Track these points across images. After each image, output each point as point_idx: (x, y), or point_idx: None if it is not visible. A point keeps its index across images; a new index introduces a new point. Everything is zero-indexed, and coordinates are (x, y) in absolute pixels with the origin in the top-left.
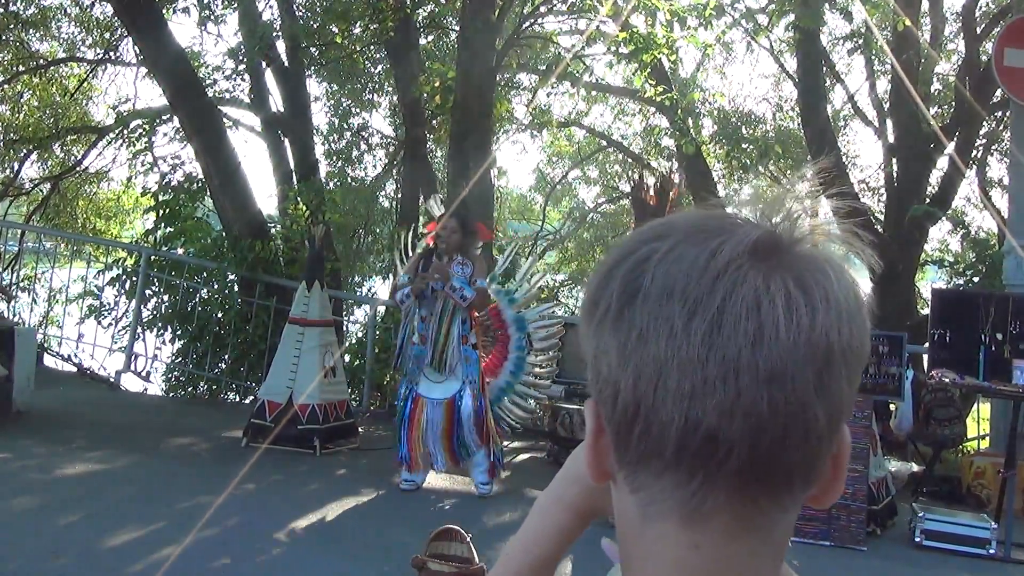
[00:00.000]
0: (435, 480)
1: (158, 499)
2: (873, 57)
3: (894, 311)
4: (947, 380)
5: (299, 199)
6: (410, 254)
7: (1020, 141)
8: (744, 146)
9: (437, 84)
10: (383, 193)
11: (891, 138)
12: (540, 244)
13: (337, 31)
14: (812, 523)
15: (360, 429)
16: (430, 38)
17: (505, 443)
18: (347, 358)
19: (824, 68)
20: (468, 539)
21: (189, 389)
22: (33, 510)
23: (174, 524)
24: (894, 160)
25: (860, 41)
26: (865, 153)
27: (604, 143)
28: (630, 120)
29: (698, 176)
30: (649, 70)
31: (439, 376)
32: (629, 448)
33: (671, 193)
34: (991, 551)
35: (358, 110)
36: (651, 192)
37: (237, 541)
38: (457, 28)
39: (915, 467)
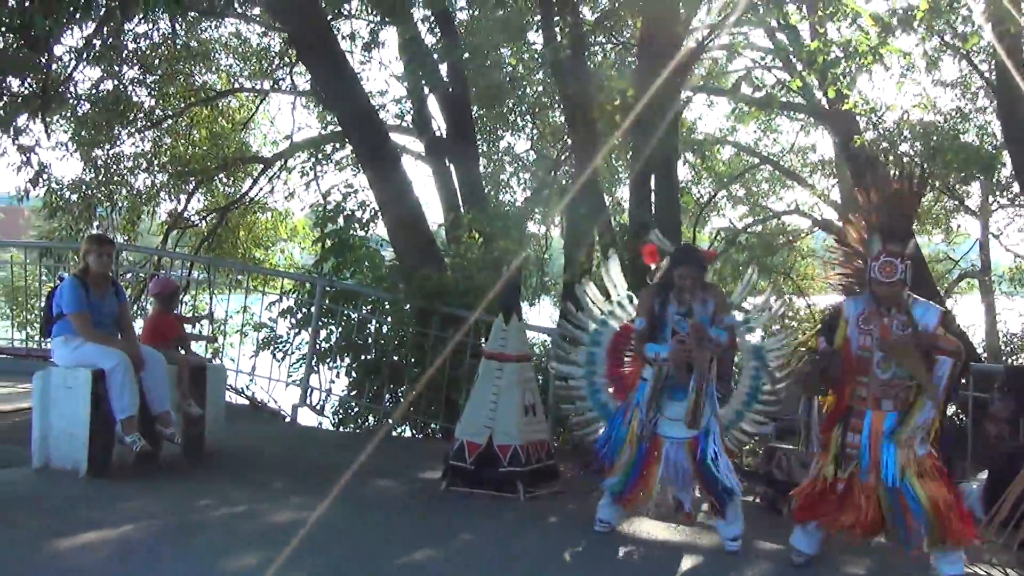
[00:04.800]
0: (661, 532)
1: (377, 555)
2: None
3: None
4: None
5: (471, 226)
6: (615, 282)
7: None
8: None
9: (617, 103)
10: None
11: None
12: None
13: (510, 51)
14: None
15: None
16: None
17: None
18: None
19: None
20: None
21: (363, 424)
22: (256, 567)
23: None
24: None
25: None
26: None
27: (756, 160)
28: (777, 136)
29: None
30: (848, 79)
31: (679, 411)
32: None
33: (917, 193)
34: None
35: (509, 132)
36: (906, 186)
37: None
38: (633, 41)
39: None
